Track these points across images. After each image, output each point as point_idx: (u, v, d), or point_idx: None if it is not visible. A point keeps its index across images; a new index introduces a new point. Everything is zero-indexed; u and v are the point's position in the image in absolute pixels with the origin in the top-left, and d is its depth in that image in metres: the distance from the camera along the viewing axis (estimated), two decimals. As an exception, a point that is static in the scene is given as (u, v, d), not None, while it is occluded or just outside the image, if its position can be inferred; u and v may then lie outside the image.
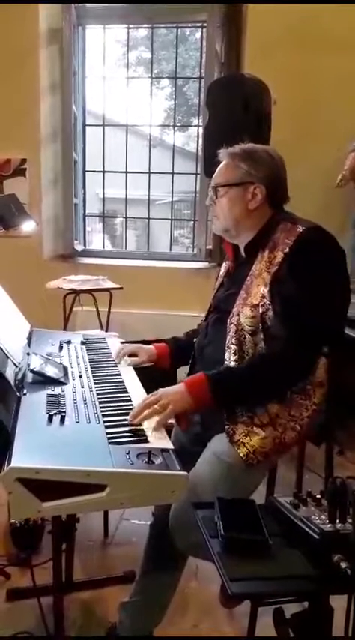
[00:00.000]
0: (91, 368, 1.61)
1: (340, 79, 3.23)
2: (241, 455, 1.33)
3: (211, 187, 1.54)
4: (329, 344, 1.45)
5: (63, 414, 1.23)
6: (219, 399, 1.34)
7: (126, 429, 1.22)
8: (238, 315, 1.40)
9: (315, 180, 3.15)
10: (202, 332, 1.60)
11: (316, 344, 1.38)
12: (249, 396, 1.37)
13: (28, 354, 1.56)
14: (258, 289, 1.38)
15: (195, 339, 1.65)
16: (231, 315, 1.43)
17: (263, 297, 1.36)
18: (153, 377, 1.67)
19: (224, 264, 1.69)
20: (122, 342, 1.87)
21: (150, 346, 1.74)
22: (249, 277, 1.43)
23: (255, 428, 1.35)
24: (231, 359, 1.40)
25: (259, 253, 1.43)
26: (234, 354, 1.39)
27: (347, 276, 1.41)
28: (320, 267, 1.33)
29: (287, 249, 1.34)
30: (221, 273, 1.69)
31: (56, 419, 1.21)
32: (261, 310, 1.36)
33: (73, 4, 3.59)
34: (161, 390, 1.34)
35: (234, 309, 1.42)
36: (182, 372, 1.74)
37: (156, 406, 1.28)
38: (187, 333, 1.78)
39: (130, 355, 1.73)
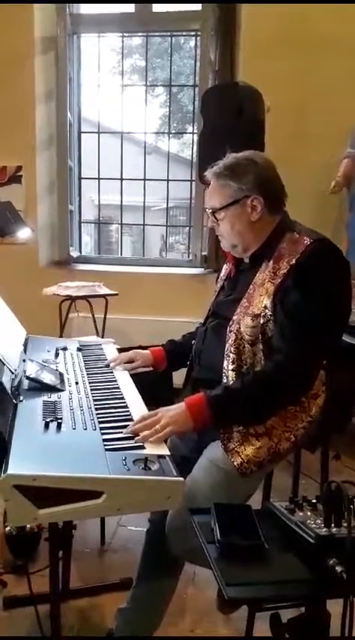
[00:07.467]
0: (87, 374, 1.62)
1: (333, 84, 3.26)
2: (235, 464, 1.34)
3: (208, 212, 1.51)
4: (328, 357, 1.44)
5: (59, 421, 1.23)
6: (220, 420, 1.34)
7: (123, 435, 1.22)
8: (238, 323, 1.39)
9: (309, 185, 3.16)
10: (200, 336, 1.59)
11: (317, 358, 1.37)
12: (251, 416, 1.36)
13: (24, 360, 1.56)
14: (260, 299, 1.37)
15: (193, 341, 1.64)
16: (231, 322, 1.42)
17: (265, 307, 1.34)
18: (148, 381, 1.67)
19: (224, 267, 1.67)
20: (118, 349, 1.87)
21: (147, 351, 1.74)
22: (251, 286, 1.42)
23: (250, 437, 1.35)
24: (228, 367, 1.40)
25: (264, 262, 1.41)
26: (233, 362, 1.39)
27: (350, 289, 1.39)
28: (324, 280, 1.32)
29: (293, 261, 1.33)
30: (221, 275, 1.67)
31: (53, 425, 1.21)
32: (261, 321, 1.35)
33: (67, 12, 3.62)
34: (162, 410, 1.31)
35: (235, 317, 1.41)
36: (178, 376, 1.74)
37: (157, 427, 1.24)
38: (184, 335, 1.77)
39: (127, 362, 1.73)
